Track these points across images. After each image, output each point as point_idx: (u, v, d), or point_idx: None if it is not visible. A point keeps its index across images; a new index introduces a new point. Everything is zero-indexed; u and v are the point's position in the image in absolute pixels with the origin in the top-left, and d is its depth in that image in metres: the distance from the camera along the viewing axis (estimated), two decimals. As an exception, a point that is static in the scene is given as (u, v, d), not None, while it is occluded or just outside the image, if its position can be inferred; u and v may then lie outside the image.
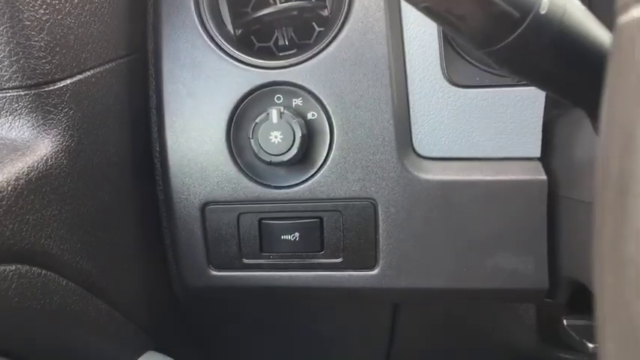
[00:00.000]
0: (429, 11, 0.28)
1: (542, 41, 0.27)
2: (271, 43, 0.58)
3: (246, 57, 0.52)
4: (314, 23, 0.57)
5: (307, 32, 0.57)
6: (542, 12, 0.27)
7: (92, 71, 0.47)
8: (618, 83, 0.16)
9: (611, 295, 0.14)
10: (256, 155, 0.50)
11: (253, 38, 0.58)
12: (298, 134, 0.49)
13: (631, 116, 0.14)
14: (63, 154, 0.43)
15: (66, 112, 0.44)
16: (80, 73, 0.46)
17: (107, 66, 0.49)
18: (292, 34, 0.58)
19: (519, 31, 0.27)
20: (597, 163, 0.16)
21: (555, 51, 0.28)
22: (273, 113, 0.49)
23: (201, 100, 0.52)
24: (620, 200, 0.14)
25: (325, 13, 0.56)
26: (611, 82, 0.16)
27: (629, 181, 0.14)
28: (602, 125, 0.16)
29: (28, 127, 0.42)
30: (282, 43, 0.58)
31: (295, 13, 0.55)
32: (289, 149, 0.49)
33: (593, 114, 0.32)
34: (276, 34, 0.58)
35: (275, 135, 0.49)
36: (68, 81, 0.44)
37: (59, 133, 0.43)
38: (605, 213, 0.15)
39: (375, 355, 0.67)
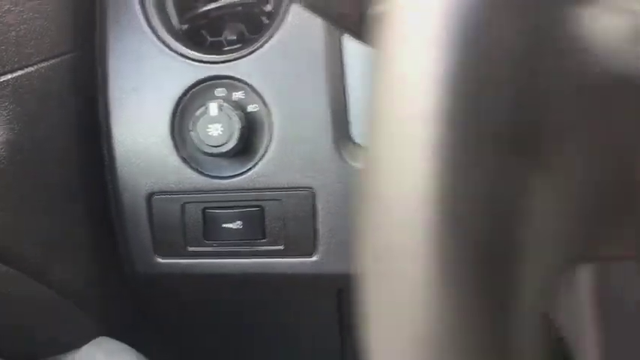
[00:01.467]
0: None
1: None
2: (223, 38, 0.59)
3: (189, 51, 0.54)
4: (263, 18, 0.59)
5: (258, 27, 0.58)
6: None
7: (35, 67, 0.49)
8: None
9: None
10: (197, 147, 0.52)
11: (205, 33, 0.59)
12: (237, 126, 0.51)
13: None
14: (2, 146, 0.45)
15: (6, 105, 0.45)
16: (21, 68, 0.47)
17: (51, 62, 0.51)
18: (243, 28, 0.59)
19: None
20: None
21: None
22: (212, 106, 0.51)
23: (145, 94, 0.54)
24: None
25: (268, 7, 0.57)
26: None
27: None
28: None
29: (-33, 121, 0.44)
30: (231, 37, 0.59)
31: (240, 8, 0.57)
32: (228, 141, 0.51)
33: None
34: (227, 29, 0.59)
35: (215, 127, 0.51)
36: (9, 76, 0.46)
37: (-1, 127, 0.45)
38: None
39: (330, 340, 0.69)
